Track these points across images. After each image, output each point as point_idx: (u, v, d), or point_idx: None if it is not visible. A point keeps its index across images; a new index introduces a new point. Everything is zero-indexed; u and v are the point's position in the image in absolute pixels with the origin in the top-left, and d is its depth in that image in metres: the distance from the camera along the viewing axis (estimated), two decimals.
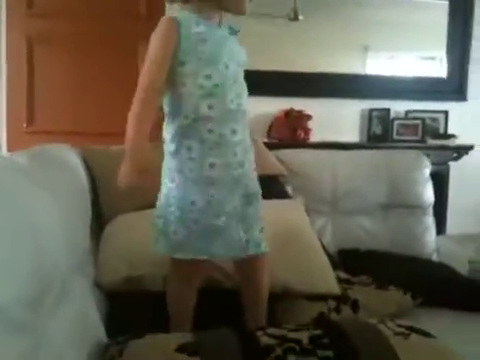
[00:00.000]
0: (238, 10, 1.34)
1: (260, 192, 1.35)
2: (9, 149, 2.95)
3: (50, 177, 1.16)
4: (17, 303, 0.71)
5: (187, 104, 1.23)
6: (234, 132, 1.25)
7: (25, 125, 2.96)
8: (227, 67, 1.26)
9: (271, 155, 2.03)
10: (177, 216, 1.25)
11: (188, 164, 1.23)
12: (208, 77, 1.22)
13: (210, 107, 1.22)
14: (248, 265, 1.34)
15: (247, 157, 1.30)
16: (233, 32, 1.34)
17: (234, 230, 1.26)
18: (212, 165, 1.23)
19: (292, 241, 1.54)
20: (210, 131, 1.22)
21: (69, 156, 1.59)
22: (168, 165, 1.28)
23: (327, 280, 1.52)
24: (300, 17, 3.36)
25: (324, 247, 1.77)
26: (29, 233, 0.80)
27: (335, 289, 1.50)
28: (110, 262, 1.42)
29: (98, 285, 1.35)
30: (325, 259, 1.58)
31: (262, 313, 1.38)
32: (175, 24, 1.21)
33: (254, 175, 1.34)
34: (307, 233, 1.65)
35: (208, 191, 1.23)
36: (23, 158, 1.14)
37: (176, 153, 1.25)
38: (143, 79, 1.22)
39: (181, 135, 1.24)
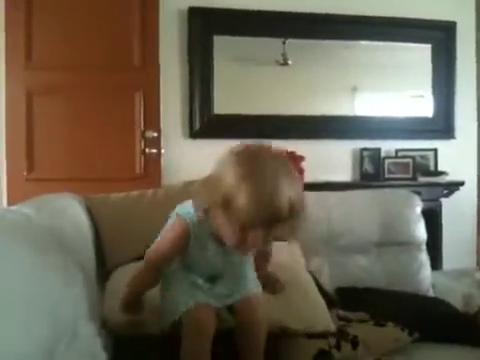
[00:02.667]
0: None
1: None
2: (10, 196, 3.00)
3: (58, 228, 1.21)
4: (35, 352, 0.75)
5: None
6: None
7: (25, 173, 3.01)
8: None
9: None
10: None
11: None
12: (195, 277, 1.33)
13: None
14: (242, 305, 1.34)
15: None
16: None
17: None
18: None
19: (288, 283, 1.58)
20: None
21: (72, 205, 1.65)
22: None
23: (323, 318, 1.55)
24: (289, 62, 3.48)
25: (321, 286, 1.82)
26: (43, 284, 0.85)
27: (331, 327, 1.53)
28: (115, 305, 1.46)
29: (105, 328, 1.38)
30: (320, 299, 1.62)
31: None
32: (187, 232, 1.24)
33: None
34: (302, 275, 1.69)
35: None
36: (31, 210, 1.20)
37: None
38: (150, 256, 1.31)
39: None
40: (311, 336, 1.48)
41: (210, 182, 1.12)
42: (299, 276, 1.66)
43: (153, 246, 1.30)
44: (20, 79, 3.04)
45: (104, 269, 1.64)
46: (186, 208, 1.24)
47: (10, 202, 2.96)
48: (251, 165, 1.08)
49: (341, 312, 1.68)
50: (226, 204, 1.07)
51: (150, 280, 1.33)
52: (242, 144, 1.16)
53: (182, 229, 1.23)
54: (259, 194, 1.04)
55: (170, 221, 1.30)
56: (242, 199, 1.04)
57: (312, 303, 1.58)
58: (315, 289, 1.65)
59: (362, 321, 1.61)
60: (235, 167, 1.08)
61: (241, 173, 1.06)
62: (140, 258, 1.61)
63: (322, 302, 1.60)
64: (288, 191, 1.06)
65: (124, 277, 1.55)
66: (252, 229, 1.08)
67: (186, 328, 1.27)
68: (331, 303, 1.67)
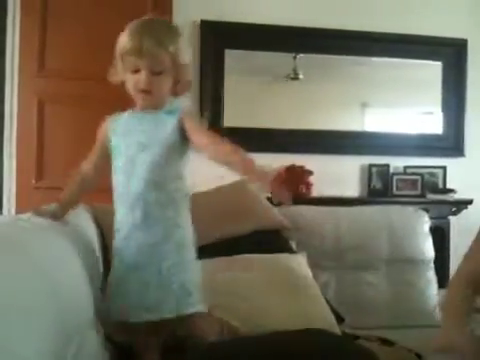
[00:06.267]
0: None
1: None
2: (18, 204, 3.01)
3: (66, 235, 1.21)
4: (40, 355, 0.75)
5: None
6: (126, 214, 1.39)
7: (34, 181, 3.03)
8: (123, 155, 1.41)
9: (274, 209, 2.09)
10: None
11: None
12: (115, 168, 1.43)
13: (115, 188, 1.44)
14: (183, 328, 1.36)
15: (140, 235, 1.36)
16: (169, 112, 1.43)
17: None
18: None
19: (296, 293, 1.58)
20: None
21: (80, 214, 1.66)
22: None
23: (330, 327, 1.54)
24: (300, 76, 3.49)
25: (328, 301, 1.81)
26: (52, 290, 0.85)
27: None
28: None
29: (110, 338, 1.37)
30: (327, 309, 1.63)
31: None
32: (106, 123, 1.48)
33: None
34: (310, 285, 1.69)
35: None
36: (40, 218, 1.20)
37: None
38: None
39: None
40: None
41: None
42: (307, 287, 1.66)
43: None
44: (32, 87, 3.06)
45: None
46: None
47: (18, 210, 2.97)
48: (136, 21, 1.39)
49: (347, 329, 1.66)
50: (121, 54, 1.39)
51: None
52: None
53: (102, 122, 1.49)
54: (133, 27, 1.37)
55: None
56: (122, 36, 1.38)
57: (320, 313, 1.59)
58: (322, 299, 1.65)
59: (369, 340, 1.60)
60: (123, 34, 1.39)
61: (125, 34, 1.38)
62: None
63: (329, 313, 1.61)
64: (159, 33, 1.36)
65: None
66: (136, 68, 1.35)
67: None
68: (338, 319, 1.66)
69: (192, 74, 3.28)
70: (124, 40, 1.38)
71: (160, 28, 1.40)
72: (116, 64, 1.44)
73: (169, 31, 1.41)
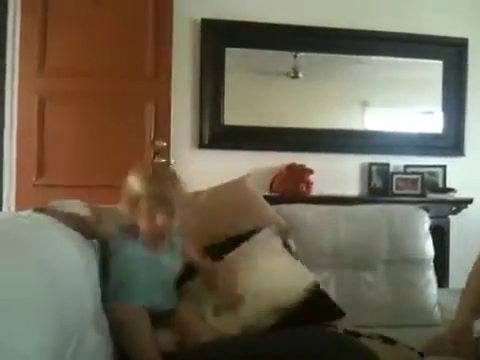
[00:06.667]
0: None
1: None
2: (18, 201, 3.01)
3: (66, 232, 1.21)
4: (40, 352, 0.74)
5: None
6: None
7: (34, 179, 3.03)
8: None
9: (270, 208, 2.07)
10: None
11: None
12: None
13: None
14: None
15: None
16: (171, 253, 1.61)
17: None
18: None
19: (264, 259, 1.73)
20: None
21: (79, 210, 1.66)
22: None
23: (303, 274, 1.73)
24: (300, 75, 3.49)
25: (328, 297, 1.81)
26: (52, 286, 0.85)
27: (310, 278, 1.71)
28: None
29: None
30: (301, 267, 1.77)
31: None
32: (113, 227, 1.57)
33: None
34: (274, 249, 1.83)
35: None
36: (42, 215, 1.20)
37: None
38: None
39: None
40: None
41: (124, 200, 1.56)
42: (271, 250, 1.80)
43: None
44: (33, 86, 3.06)
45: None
46: None
47: (18, 208, 2.97)
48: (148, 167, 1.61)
49: (349, 327, 1.66)
50: (133, 201, 1.51)
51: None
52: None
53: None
54: (149, 174, 1.57)
55: None
56: (136, 181, 1.53)
57: (289, 267, 1.73)
58: (288, 256, 1.81)
59: (371, 338, 1.59)
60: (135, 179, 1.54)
61: (138, 180, 1.53)
62: None
63: (302, 268, 1.77)
64: (172, 179, 1.59)
65: None
66: (154, 213, 1.49)
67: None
68: (338, 314, 1.66)
69: (193, 72, 3.29)
70: (141, 185, 1.52)
71: (170, 174, 1.66)
72: (125, 200, 1.55)
73: (175, 174, 1.64)
